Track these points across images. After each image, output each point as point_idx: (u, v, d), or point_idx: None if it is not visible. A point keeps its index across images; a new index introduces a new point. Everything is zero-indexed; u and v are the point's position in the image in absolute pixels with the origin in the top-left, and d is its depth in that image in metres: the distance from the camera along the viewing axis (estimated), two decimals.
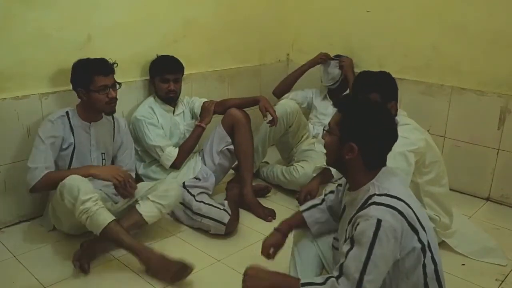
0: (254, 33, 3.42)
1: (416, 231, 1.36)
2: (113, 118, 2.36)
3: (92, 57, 2.47)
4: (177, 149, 2.54)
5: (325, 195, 1.76)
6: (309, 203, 1.77)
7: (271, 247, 1.74)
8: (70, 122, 2.20)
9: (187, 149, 2.60)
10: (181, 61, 2.67)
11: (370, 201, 1.37)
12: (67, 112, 2.21)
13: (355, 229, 1.35)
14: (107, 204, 2.15)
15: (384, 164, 1.48)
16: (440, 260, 1.45)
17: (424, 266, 1.38)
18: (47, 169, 2.07)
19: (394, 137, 1.46)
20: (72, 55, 2.43)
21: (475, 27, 2.74)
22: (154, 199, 2.19)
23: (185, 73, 2.74)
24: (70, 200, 1.92)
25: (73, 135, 2.19)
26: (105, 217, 1.94)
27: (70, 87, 2.44)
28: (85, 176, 2.00)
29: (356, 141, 1.41)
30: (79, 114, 2.23)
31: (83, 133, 2.23)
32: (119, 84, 2.23)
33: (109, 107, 2.20)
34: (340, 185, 1.70)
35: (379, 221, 1.30)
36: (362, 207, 1.38)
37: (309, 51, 3.58)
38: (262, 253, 1.74)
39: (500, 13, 2.64)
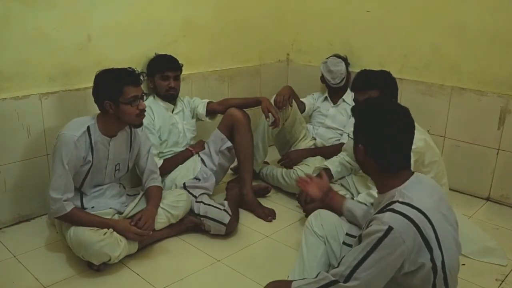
0: (254, 33, 3.42)
1: (430, 249, 1.32)
2: (130, 127, 2.21)
3: (91, 57, 2.49)
4: (161, 161, 2.53)
5: None
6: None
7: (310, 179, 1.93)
8: (91, 140, 2.05)
9: (171, 163, 2.59)
10: (181, 61, 2.67)
11: (389, 207, 1.35)
12: (88, 128, 2.04)
13: (366, 227, 1.37)
14: (115, 217, 2.17)
15: (403, 166, 1.45)
16: (455, 283, 1.42)
17: (434, 286, 1.35)
18: (69, 198, 2.00)
19: (406, 137, 1.43)
20: (72, 55, 2.44)
21: (475, 27, 2.74)
22: (164, 207, 2.23)
23: (185, 73, 2.74)
24: (83, 255, 1.99)
25: (92, 153, 2.06)
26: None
27: (70, 87, 2.46)
28: (107, 227, 2.02)
29: (363, 142, 1.44)
30: (100, 128, 2.07)
31: (102, 148, 2.10)
32: (147, 94, 2.14)
33: (139, 119, 2.08)
34: None
35: (389, 229, 1.28)
36: (381, 210, 1.37)
37: (309, 51, 3.60)
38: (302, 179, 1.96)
39: (500, 13, 2.64)
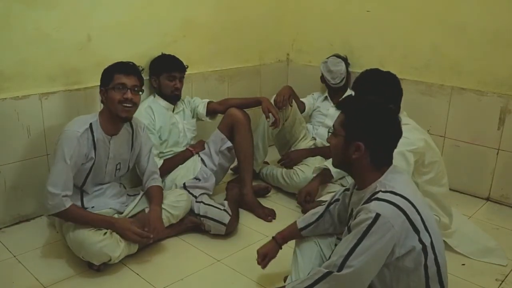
0: (254, 33, 3.42)
1: (417, 231, 1.37)
2: (131, 127, 2.23)
3: (91, 57, 2.49)
4: (161, 161, 2.53)
5: (330, 204, 1.76)
6: (307, 220, 1.77)
7: (265, 256, 1.81)
8: (93, 137, 2.06)
9: (171, 164, 2.58)
10: (181, 61, 2.67)
11: (373, 197, 1.39)
12: (90, 125, 2.05)
13: (354, 219, 1.39)
14: (114, 217, 2.15)
15: (391, 162, 1.50)
16: (445, 263, 1.46)
17: (426, 267, 1.39)
18: (68, 195, 1.97)
19: (398, 134, 1.48)
20: (72, 55, 2.44)
21: (475, 27, 2.74)
22: (164, 207, 2.23)
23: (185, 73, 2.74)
24: (83, 255, 1.98)
25: (95, 151, 2.07)
26: None
27: (70, 87, 2.47)
28: (107, 227, 2.00)
29: (362, 140, 1.43)
30: (101, 125, 2.08)
31: (103, 146, 2.10)
32: (141, 89, 2.11)
33: (122, 109, 2.04)
34: (347, 189, 1.71)
35: (377, 215, 1.32)
36: (366, 201, 1.40)
37: (309, 51, 3.60)
38: (258, 262, 1.83)
39: (500, 13, 2.64)
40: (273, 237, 1.85)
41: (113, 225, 2.02)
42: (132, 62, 2.13)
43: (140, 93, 2.11)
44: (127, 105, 2.05)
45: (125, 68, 2.08)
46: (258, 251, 1.84)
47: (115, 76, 2.05)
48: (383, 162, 1.48)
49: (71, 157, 1.97)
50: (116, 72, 2.05)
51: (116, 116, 2.07)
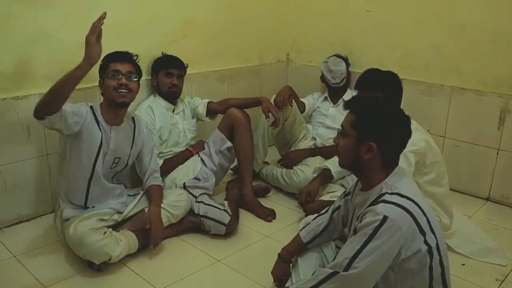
0: (254, 33, 3.42)
1: (423, 233, 1.37)
2: (134, 122, 2.26)
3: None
4: (161, 161, 2.53)
5: (333, 212, 1.75)
6: (312, 233, 1.76)
7: (280, 278, 1.81)
8: (96, 117, 2.09)
9: (171, 164, 2.59)
10: (181, 60, 2.67)
11: (380, 199, 1.38)
12: (91, 107, 2.10)
13: (361, 221, 1.38)
14: (114, 216, 2.15)
15: (397, 163, 1.49)
16: (448, 265, 1.46)
17: (430, 268, 1.39)
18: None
19: (409, 133, 1.48)
20: (72, 55, 2.41)
21: (475, 27, 2.74)
22: (164, 207, 2.23)
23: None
24: (84, 255, 1.98)
25: (100, 130, 2.08)
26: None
27: None
28: (82, 70, 1.81)
29: (374, 140, 1.42)
30: (102, 114, 2.11)
31: (105, 133, 2.11)
32: (137, 76, 2.15)
33: (118, 95, 2.06)
34: (347, 194, 1.70)
35: (384, 218, 1.32)
36: (372, 204, 1.40)
37: (309, 51, 3.60)
38: (277, 286, 1.84)
39: (500, 13, 2.64)
40: (279, 255, 1.81)
41: (77, 69, 1.83)
42: (125, 51, 2.18)
43: (136, 79, 2.14)
44: (122, 90, 2.09)
45: (119, 55, 2.14)
46: (272, 274, 1.83)
47: (110, 65, 2.10)
48: (393, 162, 1.48)
49: (71, 106, 1.97)
50: (111, 61, 2.11)
51: (113, 102, 2.10)
